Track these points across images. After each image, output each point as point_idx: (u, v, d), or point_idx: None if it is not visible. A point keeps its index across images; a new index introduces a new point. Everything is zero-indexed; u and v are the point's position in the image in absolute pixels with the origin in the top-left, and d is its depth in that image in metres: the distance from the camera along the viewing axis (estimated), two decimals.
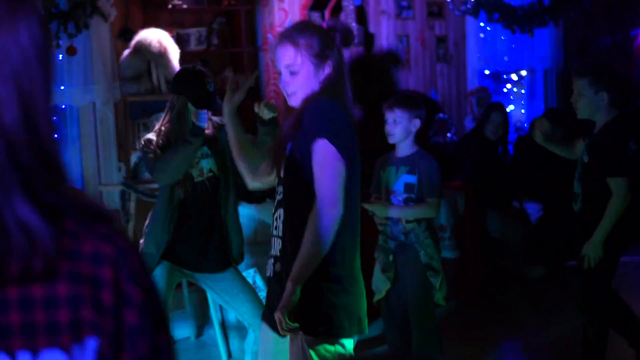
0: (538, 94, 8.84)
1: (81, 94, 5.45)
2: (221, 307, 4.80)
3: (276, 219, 2.81)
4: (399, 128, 4.09)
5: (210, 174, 4.00)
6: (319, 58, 2.80)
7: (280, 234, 2.77)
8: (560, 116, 6.83)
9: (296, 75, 2.82)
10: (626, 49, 10.51)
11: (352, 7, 6.70)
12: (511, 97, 8.58)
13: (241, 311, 4.17)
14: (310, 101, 2.74)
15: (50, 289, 0.97)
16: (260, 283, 5.32)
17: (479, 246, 6.10)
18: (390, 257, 4.08)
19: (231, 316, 4.96)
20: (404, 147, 4.09)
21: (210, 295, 4.27)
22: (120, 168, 5.66)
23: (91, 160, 5.64)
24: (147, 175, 4.78)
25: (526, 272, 6.44)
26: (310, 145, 2.66)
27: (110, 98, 5.54)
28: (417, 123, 4.11)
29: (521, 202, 6.79)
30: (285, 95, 2.86)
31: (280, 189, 2.83)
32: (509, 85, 8.76)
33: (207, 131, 3.99)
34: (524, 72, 8.82)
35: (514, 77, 8.77)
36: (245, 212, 5.17)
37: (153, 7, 5.82)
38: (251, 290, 4.27)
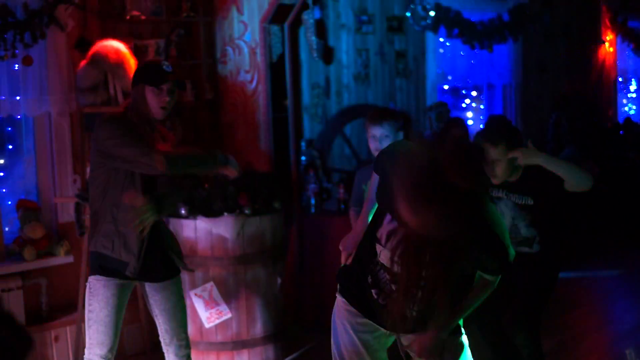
0: (497, 109, 8.93)
1: (37, 104, 5.36)
2: None
3: None
4: (386, 142, 4.23)
5: None
6: None
7: None
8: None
9: None
10: (583, 66, 10.66)
11: (312, 20, 6.69)
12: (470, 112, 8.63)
13: (171, 326, 4.14)
14: None
15: None
16: (217, 297, 5.27)
17: None
18: None
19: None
20: None
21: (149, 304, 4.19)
22: (76, 180, 5.58)
23: (46, 172, 5.55)
24: None
25: None
26: None
27: (66, 109, 5.46)
28: (400, 135, 4.27)
29: None
30: None
31: None
32: (467, 100, 8.83)
33: None
34: (482, 88, 8.89)
35: (473, 92, 8.84)
36: (202, 225, 5.13)
37: (111, 17, 5.75)
38: (185, 307, 4.24)
